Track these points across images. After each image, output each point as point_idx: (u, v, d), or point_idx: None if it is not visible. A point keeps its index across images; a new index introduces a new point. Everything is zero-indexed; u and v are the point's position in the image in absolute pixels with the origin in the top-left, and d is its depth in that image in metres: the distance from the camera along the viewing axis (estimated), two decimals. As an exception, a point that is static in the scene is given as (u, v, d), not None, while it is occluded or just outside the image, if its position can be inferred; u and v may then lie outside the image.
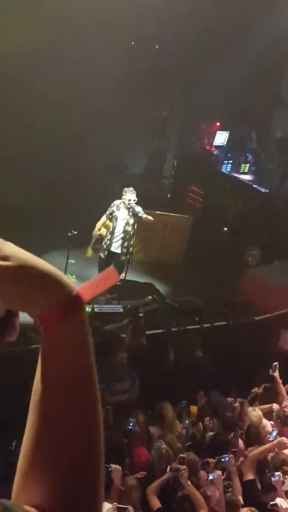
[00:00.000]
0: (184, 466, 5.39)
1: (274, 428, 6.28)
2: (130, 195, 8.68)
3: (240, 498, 5.43)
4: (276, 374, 7.06)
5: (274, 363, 7.08)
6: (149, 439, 6.32)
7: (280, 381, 7.11)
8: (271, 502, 5.00)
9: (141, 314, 8.24)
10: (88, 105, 11.59)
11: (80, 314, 0.94)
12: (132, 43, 13.35)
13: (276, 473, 5.24)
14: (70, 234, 8.43)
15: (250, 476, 5.59)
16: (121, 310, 8.34)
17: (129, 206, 8.66)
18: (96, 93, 11.43)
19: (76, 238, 8.59)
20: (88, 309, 8.49)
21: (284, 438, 6.11)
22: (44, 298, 0.92)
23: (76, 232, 8.55)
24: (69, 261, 8.60)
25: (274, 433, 6.12)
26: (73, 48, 11.27)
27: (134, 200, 8.68)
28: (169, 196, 13.46)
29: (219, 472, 5.48)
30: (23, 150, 10.85)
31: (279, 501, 4.99)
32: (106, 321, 7.86)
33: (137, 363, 7.01)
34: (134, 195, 8.70)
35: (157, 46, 14.03)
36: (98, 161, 11.38)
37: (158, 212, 10.56)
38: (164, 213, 11.16)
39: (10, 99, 10.72)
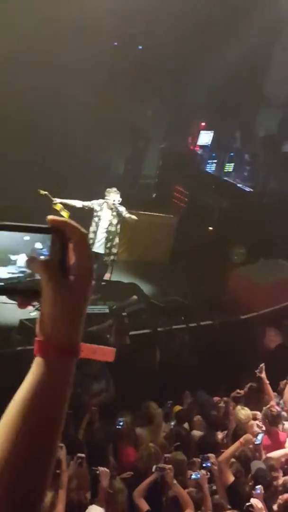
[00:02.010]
0: (170, 466, 5.37)
1: (260, 432, 6.26)
2: (114, 195, 8.65)
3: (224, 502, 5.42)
4: (263, 375, 7.06)
5: (261, 365, 7.07)
6: (136, 439, 6.30)
7: (267, 382, 7.10)
8: (247, 503, 5.00)
9: (124, 314, 8.21)
10: (70, 105, 11.53)
11: (69, 362, 1.03)
12: (115, 43, 13.32)
13: (257, 486, 5.22)
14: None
15: (230, 477, 5.58)
16: (107, 310, 8.31)
17: (112, 207, 8.63)
18: (79, 93, 11.37)
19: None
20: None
21: (249, 435, 6.09)
22: (61, 329, 1.02)
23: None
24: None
25: (260, 437, 6.10)
26: (56, 49, 11.23)
27: (118, 201, 8.65)
28: (153, 196, 13.44)
29: (203, 472, 5.47)
30: (3, 152, 10.77)
31: (254, 501, 5.00)
32: (91, 322, 7.82)
33: (123, 363, 6.98)
34: (118, 195, 8.67)
35: (140, 47, 14.03)
36: (82, 161, 11.33)
37: (143, 212, 10.54)
38: (149, 213, 11.14)
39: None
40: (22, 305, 1.05)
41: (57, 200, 8.53)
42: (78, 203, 8.67)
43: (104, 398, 6.90)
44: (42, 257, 1.06)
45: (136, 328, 8.29)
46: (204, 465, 5.68)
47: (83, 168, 11.33)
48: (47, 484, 1.01)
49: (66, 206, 8.59)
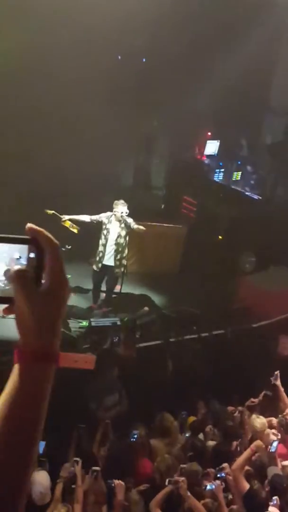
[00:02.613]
0: (183, 478, 5.35)
1: (275, 439, 6.22)
2: (121, 207, 8.68)
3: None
4: (278, 382, 7.03)
5: (276, 372, 7.04)
6: (151, 451, 6.29)
7: (282, 389, 7.06)
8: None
9: (132, 326, 8.23)
10: (78, 117, 11.63)
11: (47, 369, 1.05)
12: (119, 57, 13.44)
13: (274, 497, 5.19)
14: (63, 249, 8.42)
15: (245, 485, 5.54)
16: (118, 323, 8.32)
17: (120, 219, 8.67)
18: (87, 105, 11.47)
19: (70, 253, 8.57)
20: (85, 323, 8.49)
21: (259, 441, 6.05)
22: (35, 337, 1.04)
23: (70, 247, 8.53)
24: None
25: (275, 444, 6.06)
26: (62, 61, 11.35)
27: (126, 213, 8.69)
28: (162, 206, 13.47)
29: (218, 482, 5.44)
30: (10, 163, 10.86)
31: (271, 510, 4.97)
32: (103, 334, 7.84)
33: (135, 375, 6.99)
34: (126, 207, 8.70)
35: (144, 59, 14.14)
36: (89, 173, 11.41)
37: (152, 223, 10.57)
38: (158, 223, 11.17)
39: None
40: (6, 312, 1.08)
41: (66, 217, 8.61)
42: (86, 218, 8.73)
43: (118, 411, 6.90)
44: (17, 266, 1.09)
45: (148, 339, 8.29)
46: (218, 475, 5.66)
47: (91, 180, 11.39)
48: (23, 495, 1.02)
49: (75, 222, 8.67)
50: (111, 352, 7.40)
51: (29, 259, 1.07)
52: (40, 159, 11.19)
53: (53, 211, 8.51)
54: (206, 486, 5.48)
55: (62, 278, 1.07)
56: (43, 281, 1.06)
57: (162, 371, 7.56)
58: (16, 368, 1.05)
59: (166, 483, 5.35)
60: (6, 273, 1.11)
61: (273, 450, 6.00)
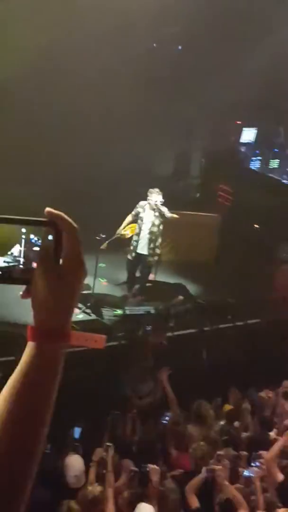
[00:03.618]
0: (220, 467, 5.32)
1: None
2: (156, 196, 8.67)
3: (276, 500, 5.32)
4: None
5: None
6: (187, 437, 6.29)
7: None
8: None
9: (162, 314, 8.25)
10: (113, 108, 11.65)
11: (59, 347, 1.07)
12: (154, 45, 13.38)
13: None
14: (98, 238, 8.47)
15: (279, 475, 5.47)
16: (152, 311, 8.34)
17: (154, 207, 8.66)
18: (120, 96, 11.48)
19: (105, 242, 8.62)
20: (120, 312, 8.54)
21: None
22: (50, 316, 1.06)
23: (104, 236, 8.58)
24: (99, 264, 8.65)
25: None
26: (97, 49, 11.39)
27: (161, 201, 8.67)
28: (198, 195, 13.38)
29: (256, 469, 5.39)
30: (47, 156, 10.96)
31: None
32: (136, 323, 7.87)
33: (169, 364, 7.00)
34: (160, 196, 8.68)
35: (180, 47, 14.04)
36: (124, 163, 11.41)
37: (187, 212, 10.52)
38: (193, 212, 11.11)
39: (33, 104, 10.90)
40: (24, 296, 1.10)
41: (120, 231, 8.79)
42: (129, 218, 8.82)
43: (152, 399, 6.92)
44: (36, 247, 1.12)
45: (182, 328, 8.28)
46: (253, 464, 5.61)
47: (126, 170, 11.41)
48: (31, 475, 1.03)
49: (126, 227, 8.79)
50: (144, 340, 7.43)
51: (47, 241, 1.10)
52: (74, 149, 11.27)
53: (106, 243, 8.61)
54: (243, 471, 5.43)
55: (80, 260, 1.09)
56: (60, 263, 1.09)
57: (196, 359, 7.55)
58: (28, 346, 1.07)
59: (202, 472, 5.31)
60: (27, 254, 1.13)
61: None
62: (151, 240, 8.75)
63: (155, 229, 8.73)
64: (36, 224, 1.11)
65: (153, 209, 8.68)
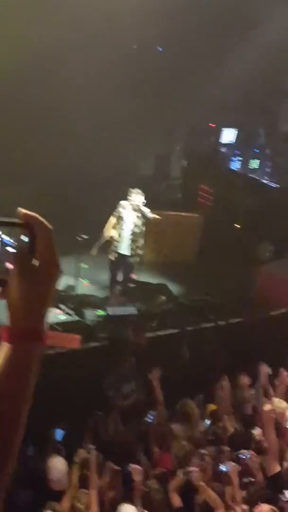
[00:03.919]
0: (195, 468, 5.30)
1: None
2: (137, 196, 8.68)
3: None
4: None
5: None
6: (170, 436, 6.30)
7: None
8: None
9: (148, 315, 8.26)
10: (94, 108, 11.64)
11: (35, 347, 1.07)
12: (134, 47, 13.39)
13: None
14: (80, 239, 8.45)
15: (277, 468, 5.48)
16: (135, 312, 8.34)
17: (136, 208, 8.67)
18: (102, 96, 11.48)
19: (87, 243, 8.61)
20: (102, 312, 8.53)
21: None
22: (25, 317, 1.07)
23: (86, 237, 8.56)
24: (81, 265, 8.63)
25: None
26: (77, 53, 11.36)
27: (143, 202, 8.68)
28: (179, 196, 13.43)
29: (233, 463, 5.38)
30: (29, 156, 10.91)
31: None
32: (119, 324, 7.87)
33: (152, 363, 7.01)
34: (143, 197, 8.70)
35: (160, 49, 14.07)
36: (106, 164, 11.41)
37: (168, 213, 10.54)
38: (175, 213, 11.14)
39: (16, 104, 10.84)
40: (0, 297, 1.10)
41: (107, 234, 8.72)
42: (113, 219, 8.77)
43: (135, 399, 6.93)
44: (10, 248, 1.14)
45: (164, 328, 8.30)
46: (240, 456, 5.58)
47: (108, 170, 11.41)
48: (8, 470, 1.03)
49: (112, 227, 8.75)
50: (126, 341, 7.43)
51: (21, 243, 1.10)
52: (56, 149, 11.23)
53: (95, 248, 8.58)
54: (219, 466, 5.42)
55: (54, 261, 1.09)
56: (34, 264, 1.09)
57: (178, 359, 7.57)
58: (3, 347, 1.07)
59: (178, 474, 5.30)
60: (1, 255, 1.14)
61: None
62: (133, 241, 8.75)
63: (137, 229, 8.73)
64: (10, 225, 1.12)
65: (135, 210, 8.68)
